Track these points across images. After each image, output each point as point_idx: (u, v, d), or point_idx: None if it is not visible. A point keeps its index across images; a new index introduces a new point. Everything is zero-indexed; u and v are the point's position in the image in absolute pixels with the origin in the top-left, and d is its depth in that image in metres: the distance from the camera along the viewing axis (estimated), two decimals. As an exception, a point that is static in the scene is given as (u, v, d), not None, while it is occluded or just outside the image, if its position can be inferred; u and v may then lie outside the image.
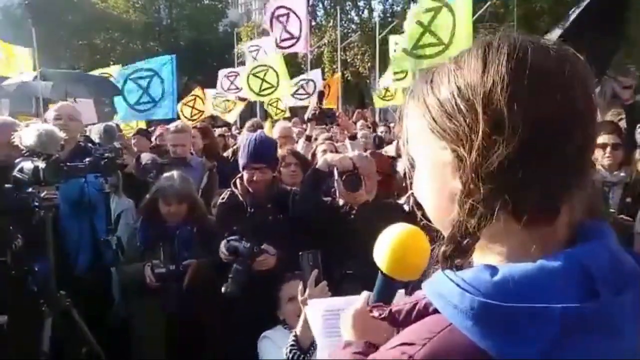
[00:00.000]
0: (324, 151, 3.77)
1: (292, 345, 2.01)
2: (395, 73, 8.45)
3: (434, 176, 0.69)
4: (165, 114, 6.93)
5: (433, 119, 0.67)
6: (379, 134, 7.80)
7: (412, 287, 0.93)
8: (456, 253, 0.65)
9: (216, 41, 30.74)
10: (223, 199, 3.00)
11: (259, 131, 3.63)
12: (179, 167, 3.73)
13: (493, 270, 0.61)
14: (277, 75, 7.87)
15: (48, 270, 2.69)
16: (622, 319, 0.62)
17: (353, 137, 4.43)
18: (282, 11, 7.34)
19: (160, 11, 33.94)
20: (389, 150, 5.07)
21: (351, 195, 2.55)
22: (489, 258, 0.66)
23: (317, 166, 2.76)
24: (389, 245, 0.92)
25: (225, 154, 5.52)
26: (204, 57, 28.35)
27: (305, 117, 5.17)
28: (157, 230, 3.03)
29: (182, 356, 2.85)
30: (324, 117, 4.87)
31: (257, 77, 7.87)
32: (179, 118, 8.78)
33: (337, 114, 4.91)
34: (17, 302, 2.57)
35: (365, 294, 1.03)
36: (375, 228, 2.50)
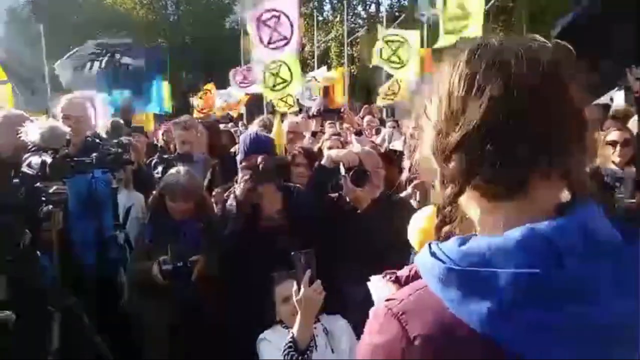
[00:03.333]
0: (330, 147, 3.75)
1: (289, 347, 1.99)
2: (392, 62, 9.32)
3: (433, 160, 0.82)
4: (155, 108, 6.96)
5: (428, 112, 0.81)
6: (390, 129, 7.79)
7: None
8: (443, 223, 0.81)
9: (223, 37, 30.72)
10: (227, 197, 2.98)
11: (255, 129, 3.61)
12: (184, 162, 3.73)
13: (462, 240, 0.72)
14: (290, 71, 7.92)
15: (55, 267, 2.70)
16: (595, 285, 0.68)
17: (358, 133, 4.41)
18: (270, 14, 7.31)
19: (167, 8, 33.98)
20: (397, 145, 5.05)
21: (357, 194, 2.54)
22: (475, 228, 0.78)
23: (321, 162, 2.75)
24: (418, 227, 1.15)
25: (232, 150, 5.52)
26: (211, 53, 28.36)
27: (310, 113, 5.16)
28: (165, 226, 3.03)
29: (188, 352, 2.85)
30: (330, 113, 4.86)
31: (272, 73, 7.91)
32: (177, 112, 8.86)
33: (342, 110, 4.88)
34: (23, 300, 2.56)
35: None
36: (382, 224, 2.50)
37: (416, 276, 0.84)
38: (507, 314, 0.66)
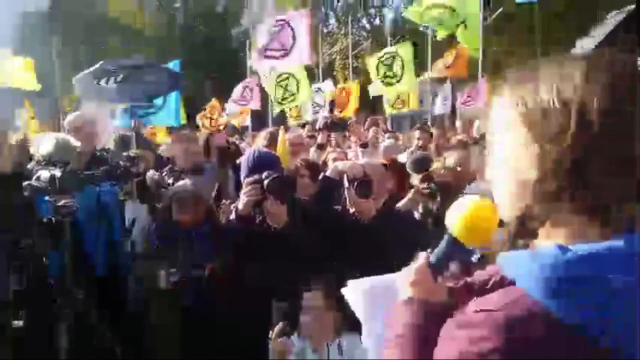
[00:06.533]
0: (334, 159, 3.78)
1: None
2: (388, 77, 9.39)
3: (512, 163, 0.80)
4: (167, 121, 6.94)
5: (527, 112, 0.78)
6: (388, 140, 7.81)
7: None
8: (521, 234, 0.81)
9: (230, 49, 30.95)
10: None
11: (260, 144, 3.62)
12: (194, 174, 3.77)
13: (565, 249, 0.74)
14: (297, 83, 7.97)
15: (65, 275, 2.74)
16: None
17: (364, 145, 4.45)
18: (277, 25, 7.40)
19: (176, 18, 34.31)
20: (401, 157, 5.08)
21: (361, 205, 2.55)
22: (552, 240, 0.79)
23: (327, 174, 2.77)
24: (464, 212, 1.03)
25: (238, 161, 5.54)
26: (218, 58, 28.46)
27: (317, 126, 5.20)
28: (172, 237, 3.05)
29: (195, 352, 2.87)
30: (336, 126, 4.90)
31: (280, 86, 7.95)
32: (195, 127, 8.88)
33: (348, 122, 4.92)
34: (35, 301, 2.60)
35: (422, 254, 1.10)
36: (387, 235, 2.51)
37: (502, 284, 0.83)
38: (617, 313, 0.71)
